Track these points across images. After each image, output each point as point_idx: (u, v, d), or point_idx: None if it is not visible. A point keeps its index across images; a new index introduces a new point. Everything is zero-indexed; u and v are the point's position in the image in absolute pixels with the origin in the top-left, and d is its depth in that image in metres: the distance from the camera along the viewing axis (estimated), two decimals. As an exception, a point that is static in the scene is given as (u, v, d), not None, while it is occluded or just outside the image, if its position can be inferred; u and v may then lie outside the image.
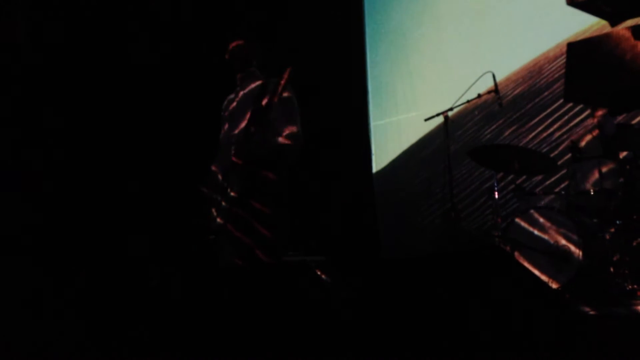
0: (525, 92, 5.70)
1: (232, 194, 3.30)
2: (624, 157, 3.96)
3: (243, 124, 3.47)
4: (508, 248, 4.03)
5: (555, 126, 5.40)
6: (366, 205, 6.60)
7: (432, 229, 6.03)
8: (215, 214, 3.32)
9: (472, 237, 5.15)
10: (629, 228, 3.82)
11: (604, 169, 3.94)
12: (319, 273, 3.75)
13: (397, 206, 6.52)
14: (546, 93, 5.51)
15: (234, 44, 3.55)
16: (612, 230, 3.92)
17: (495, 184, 4.54)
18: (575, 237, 3.81)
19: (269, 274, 2.67)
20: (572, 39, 5.17)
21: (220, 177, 3.45)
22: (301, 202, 5.77)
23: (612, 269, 3.79)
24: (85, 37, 5.15)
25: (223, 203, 3.32)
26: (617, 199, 3.88)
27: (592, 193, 3.97)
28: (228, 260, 3.29)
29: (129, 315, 2.66)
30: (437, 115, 5.23)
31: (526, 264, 3.92)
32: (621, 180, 3.85)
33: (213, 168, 3.60)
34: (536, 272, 3.87)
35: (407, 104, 6.62)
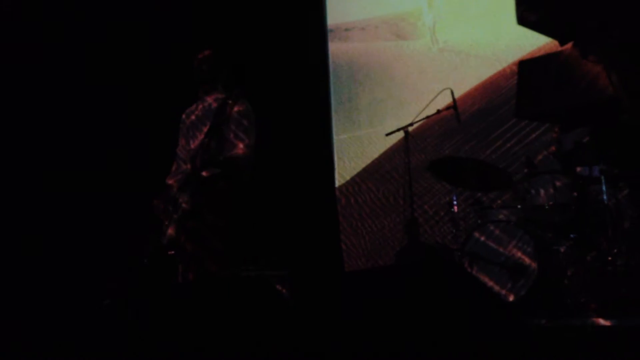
0: (483, 108, 5.81)
1: (184, 205, 3.28)
2: (579, 172, 4.07)
3: (200, 138, 3.46)
4: (466, 261, 4.09)
5: (513, 141, 5.52)
6: (329, 219, 6.62)
7: (393, 242, 6.08)
8: (167, 227, 3.29)
9: (432, 250, 5.20)
10: (582, 242, 3.91)
11: (558, 184, 4.03)
12: (278, 287, 3.74)
13: (359, 220, 6.55)
14: (504, 109, 5.63)
15: (201, 55, 3.54)
16: (567, 244, 4.01)
17: (454, 198, 4.60)
18: (530, 250, 3.88)
19: (223, 288, 2.64)
20: (528, 57, 5.32)
21: (175, 190, 3.42)
22: (263, 216, 5.76)
23: (566, 282, 3.87)
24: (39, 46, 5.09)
25: (176, 216, 3.29)
26: (571, 213, 3.97)
27: (546, 207, 4.06)
28: (182, 274, 3.27)
29: (81, 334, 2.61)
30: (398, 130, 5.30)
31: (483, 277, 3.98)
32: (575, 194, 3.95)
33: (169, 182, 3.57)
34: (493, 285, 3.93)
35: (369, 119, 6.69)
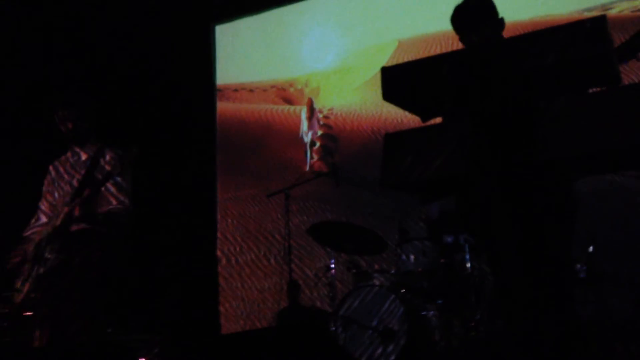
0: (362, 173, 6.01)
1: (50, 260, 3.08)
2: (445, 240, 4.27)
3: (70, 192, 3.31)
4: (339, 325, 4.12)
5: (389, 207, 5.71)
6: (208, 279, 6.49)
7: (273, 305, 6.03)
8: (22, 285, 3.07)
9: (308, 314, 5.21)
10: (448, 307, 4.07)
11: (427, 251, 4.21)
12: (143, 353, 3.56)
13: (239, 280, 6.47)
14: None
15: (61, 112, 3.39)
16: (435, 309, 4.15)
17: (332, 262, 4.67)
18: (400, 315, 3.98)
19: (79, 354, 2.49)
20: (407, 124, 5.62)
21: (35, 245, 3.21)
22: (137, 274, 5.54)
23: (433, 347, 3.98)
24: None
25: (36, 272, 3.08)
26: (438, 279, 4.14)
27: (416, 273, 4.21)
28: (40, 338, 3.04)
29: None
30: (280, 192, 5.36)
31: (354, 342, 4.02)
32: (442, 261, 4.13)
33: (28, 235, 3.35)
34: (363, 350, 3.98)
35: (253, 179, 6.72)
